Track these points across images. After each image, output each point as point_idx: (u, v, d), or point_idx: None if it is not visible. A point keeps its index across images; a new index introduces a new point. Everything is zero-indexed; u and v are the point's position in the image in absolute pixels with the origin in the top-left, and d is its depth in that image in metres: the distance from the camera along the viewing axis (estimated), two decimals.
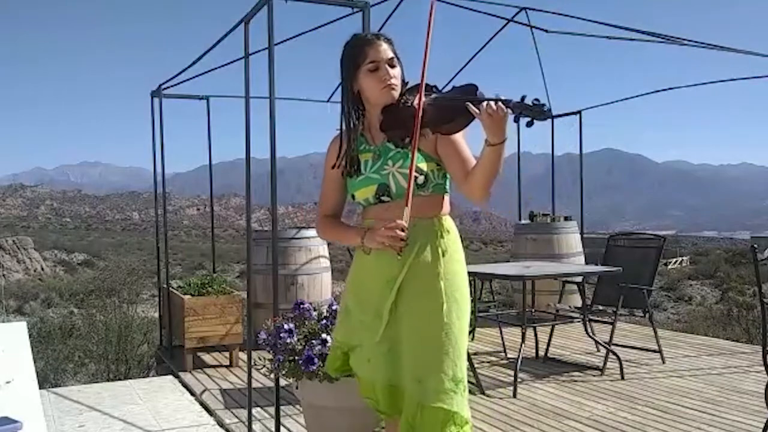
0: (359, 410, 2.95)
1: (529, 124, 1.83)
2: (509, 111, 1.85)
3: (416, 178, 2.06)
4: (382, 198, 2.13)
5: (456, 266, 2.14)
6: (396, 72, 2.14)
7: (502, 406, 4.09)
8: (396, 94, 2.13)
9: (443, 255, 2.11)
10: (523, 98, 1.83)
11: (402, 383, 2.10)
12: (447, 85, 2.18)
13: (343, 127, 2.21)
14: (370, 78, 2.12)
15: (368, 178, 2.15)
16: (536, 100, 1.81)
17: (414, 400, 2.04)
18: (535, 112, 1.81)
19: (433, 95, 2.10)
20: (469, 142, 2.13)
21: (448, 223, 2.17)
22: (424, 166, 2.09)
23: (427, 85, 2.10)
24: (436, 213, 2.14)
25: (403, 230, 1.98)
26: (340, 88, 2.24)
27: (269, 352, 3.13)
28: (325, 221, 2.31)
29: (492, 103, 1.86)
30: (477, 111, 1.89)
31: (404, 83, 2.17)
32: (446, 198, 2.18)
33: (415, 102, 2.04)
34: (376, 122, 2.18)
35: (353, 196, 2.22)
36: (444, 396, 2.01)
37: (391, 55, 2.13)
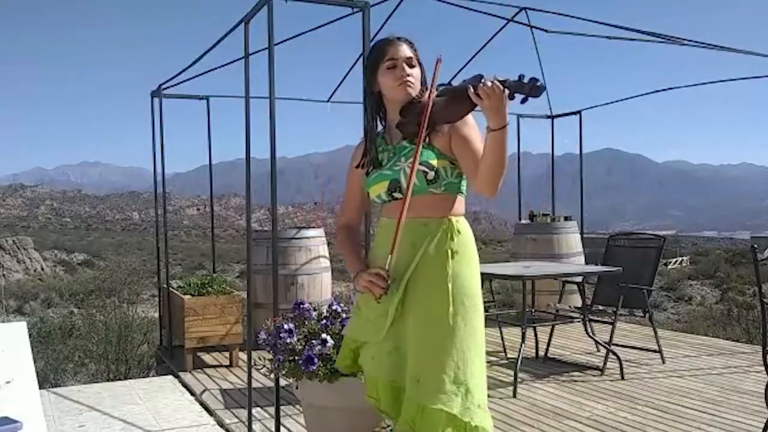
0: (359, 410, 2.95)
1: (524, 101, 1.81)
2: (505, 90, 1.83)
3: (426, 173, 2.05)
4: (394, 194, 2.13)
5: (465, 269, 2.11)
6: (414, 72, 2.15)
7: (502, 406, 4.09)
8: (412, 92, 2.14)
9: (452, 256, 2.09)
10: (520, 77, 1.81)
11: (404, 383, 2.08)
12: (447, 84, 2.18)
13: (365, 128, 2.24)
14: (387, 75, 2.14)
15: (381, 175, 2.16)
16: (533, 78, 1.79)
17: (413, 401, 2.01)
18: (528, 88, 1.78)
19: (441, 88, 2.10)
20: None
21: (461, 224, 2.15)
22: (435, 162, 2.07)
23: (448, 85, 2.11)
24: (447, 213, 2.12)
25: (385, 279, 2.03)
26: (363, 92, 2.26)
27: (269, 352, 3.13)
28: (340, 233, 2.32)
29: (488, 82, 1.83)
30: (476, 94, 1.87)
31: (423, 86, 2.17)
32: (460, 199, 2.17)
33: (425, 98, 2.05)
34: (394, 123, 2.18)
35: (368, 195, 2.23)
36: (444, 397, 1.96)
37: (410, 54, 2.15)
